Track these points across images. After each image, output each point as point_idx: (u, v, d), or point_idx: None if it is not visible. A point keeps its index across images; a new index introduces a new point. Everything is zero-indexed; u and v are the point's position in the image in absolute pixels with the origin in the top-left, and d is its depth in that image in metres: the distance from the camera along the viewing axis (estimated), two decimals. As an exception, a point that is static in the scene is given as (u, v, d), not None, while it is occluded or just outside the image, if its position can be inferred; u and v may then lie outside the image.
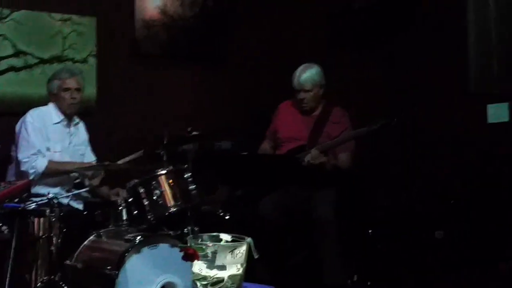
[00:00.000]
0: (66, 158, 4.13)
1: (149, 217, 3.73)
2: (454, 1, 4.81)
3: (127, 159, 4.10)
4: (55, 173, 4.04)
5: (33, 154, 3.99)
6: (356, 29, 5.46)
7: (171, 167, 3.87)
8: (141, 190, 3.76)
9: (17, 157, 4.01)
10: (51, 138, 4.10)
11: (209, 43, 5.69)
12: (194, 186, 3.88)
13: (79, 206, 4.16)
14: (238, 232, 3.26)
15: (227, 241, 2.61)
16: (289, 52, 5.66)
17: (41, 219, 3.21)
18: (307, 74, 4.43)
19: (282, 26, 5.91)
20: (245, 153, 4.61)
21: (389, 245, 4.59)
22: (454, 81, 4.78)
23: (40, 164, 3.97)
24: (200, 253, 2.62)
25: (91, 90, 4.88)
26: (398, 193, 4.99)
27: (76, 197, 4.12)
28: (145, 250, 3.26)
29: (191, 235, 3.37)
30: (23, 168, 3.97)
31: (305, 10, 5.80)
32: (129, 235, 3.38)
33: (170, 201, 3.80)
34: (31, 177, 3.94)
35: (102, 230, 3.56)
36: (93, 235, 3.51)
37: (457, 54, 4.74)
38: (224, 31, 5.75)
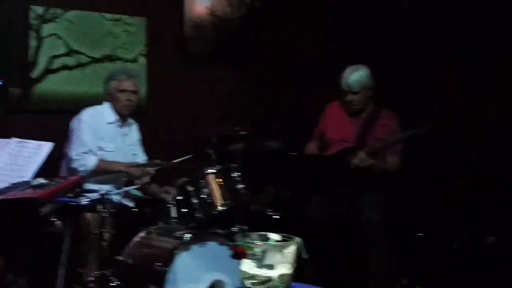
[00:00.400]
0: (119, 158, 4.20)
1: (197, 215, 3.76)
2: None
3: (176, 161, 4.13)
4: (104, 172, 4.11)
5: (84, 153, 4.06)
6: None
7: (219, 166, 3.90)
8: (190, 189, 3.80)
9: (68, 154, 4.10)
10: (104, 138, 4.17)
11: (252, 42, 5.71)
12: (242, 186, 3.89)
13: (130, 203, 4.21)
14: (286, 232, 3.27)
15: (276, 241, 2.62)
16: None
17: (94, 215, 3.28)
18: (356, 76, 4.39)
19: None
20: (294, 154, 4.60)
21: (439, 248, 4.54)
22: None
23: (90, 162, 4.05)
24: (249, 252, 2.63)
25: (141, 90, 4.95)
26: (448, 196, 4.93)
27: (127, 194, 4.18)
28: (194, 247, 3.30)
29: (239, 234, 3.40)
30: (73, 165, 4.05)
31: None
32: (178, 233, 3.43)
33: (218, 199, 3.83)
34: (81, 174, 4.01)
35: (152, 227, 3.62)
36: (143, 232, 3.57)
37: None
38: (266, 31, 5.78)
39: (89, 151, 4.08)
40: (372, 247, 4.09)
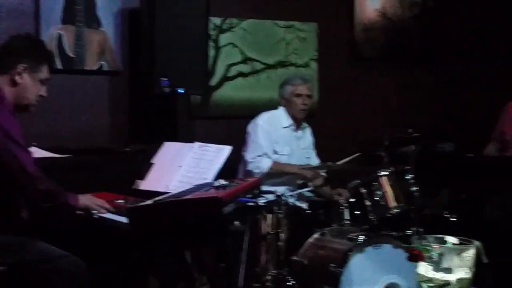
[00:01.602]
0: (293, 161, 4.30)
1: (371, 217, 3.76)
2: None
3: (345, 160, 4.15)
4: (277, 174, 4.23)
5: (259, 156, 4.20)
6: None
7: (392, 169, 3.87)
8: (363, 191, 3.81)
9: (244, 157, 4.27)
10: (279, 141, 4.29)
11: (424, 43, 5.59)
12: (416, 188, 3.83)
13: (303, 205, 4.30)
14: (463, 235, 3.18)
15: (453, 244, 2.56)
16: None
17: (270, 216, 3.39)
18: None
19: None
20: (471, 155, 4.45)
21: None
22: None
23: (265, 164, 4.18)
24: (426, 255, 2.60)
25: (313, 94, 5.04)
26: None
27: (300, 196, 4.27)
28: (369, 249, 3.30)
29: (415, 236, 3.36)
30: (248, 167, 4.21)
31: None
32: (352, 234, 3.45)
33: (392, 202, 3.80)
34: (256, 176, 4.15)
35: (326, 229, 3.67)
36: (317, 233, 3.63)
37: None
38: (439, 31, 5.63)
39: (264, 154, 4.21)
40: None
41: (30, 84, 2.88)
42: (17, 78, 2.84)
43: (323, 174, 4.22)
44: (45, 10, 4.12)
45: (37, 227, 2.97)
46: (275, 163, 4.22)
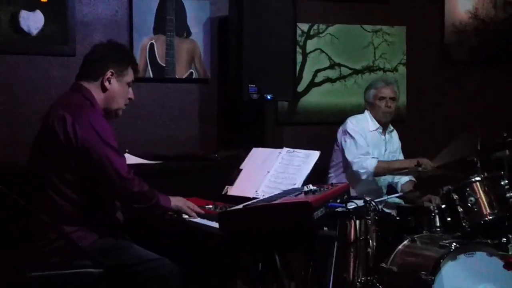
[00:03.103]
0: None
1: (463, 224, 3.65)
2: None
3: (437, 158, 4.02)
4: (385, 172, 4.18)
5: (362, 155, 4.16)
6: None
7: (486, 174, 3.75)
8: (455, 197, 3.70)
9: (346, 159, 4.20)
10: (369, 144, 4.25)
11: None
12: (511, 194, 3.70)
13: (392, 211, 4.24)
14: None
15: (554, 252, 2.46)
16: None
17: (359, 221, 3.37)
18: None
19: None
20: None
21: None
22: None
23: (370, 163, 4.12)
24: (523, 263, 2.51)
25: (401, 98, 4.96)
26: None
27: (388, 203, 4.21)
28: (462, 257, 3.23)
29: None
30: (354, 168, 4.15)
31: None
32: (444, 242, 3.38)
33: (486, 208, 3.68)
34: (362, 177, 4.12)
35: (416, 236, 3.61)
36: (408, 240, 3.58)
37: None
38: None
39: (367, 153, 4.17)
40: None
41: (119, 89, 2.98)
42: (106, 84, 2.95)
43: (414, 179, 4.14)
44: (138, 21, 4.25)
45: (130, 230, 3.07)
46: (381, 161, 4.16)
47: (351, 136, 4.20)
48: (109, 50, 3.03)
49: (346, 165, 4.23)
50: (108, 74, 2.94)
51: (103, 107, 2.97)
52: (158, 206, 2.95)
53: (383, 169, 4.13)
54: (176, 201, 3.03)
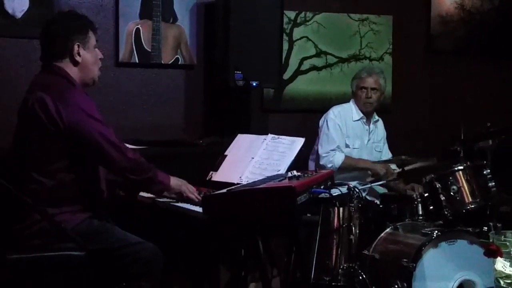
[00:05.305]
0: (364, 155, 4.29)
1: (445, 212, 3.68)
2: None
3: (418, 165, 4.06)
4: (351, 169, 4.21)
5: (332, 150, 4.19)
6: None
7: (468, 163, 3.78)
8: (438, 185, 3.73)
9: (317, 151, 4.26)
10: (350, 135, 4.28)
11: (504, 36, 5.42)
12: (493, 184, 3.73)
13: (375, 199, 4.27)
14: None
15: (533, 240, 2.49)
16: None
17: (343, 208, 3.38)
18: None
19: None
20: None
21: None
22: None
23: (337, 159, 4.16)
24: (504, 250, 2.53)
25: (387, 88, 4.97)
26: None
27: (371, 191, 4.24)
28: (443, 245, 3.26)
29: (493, 232, 3.28)
30: (321, 162, 4.20)
31: None
32: (426, 229, 3.41)
33: (468, 197, 3.71)
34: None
35: (398, 223, 3.63)
36: (390, 228, 3.60)
37: None
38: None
39: (337, 148, 4.20)
40: None
41: (89, 56, 2.95)
42: (76, 58, 2.91)
43: (396, 169, 4.17)
44: (124, 5, 4.22)
45: (113, 214, 3.07)
46: (348, 157, 4.20)
47: (328, 127, 4.23)
48: (64, 23, 2.95)
49: (317, 156, 4.27)
50: (75, 47, 2.90)
51: (80, 80, 2.94)
52: (155, 180, 2.96)
53: (349, 165, 4.17)
54: (178, 182, 3.04)
